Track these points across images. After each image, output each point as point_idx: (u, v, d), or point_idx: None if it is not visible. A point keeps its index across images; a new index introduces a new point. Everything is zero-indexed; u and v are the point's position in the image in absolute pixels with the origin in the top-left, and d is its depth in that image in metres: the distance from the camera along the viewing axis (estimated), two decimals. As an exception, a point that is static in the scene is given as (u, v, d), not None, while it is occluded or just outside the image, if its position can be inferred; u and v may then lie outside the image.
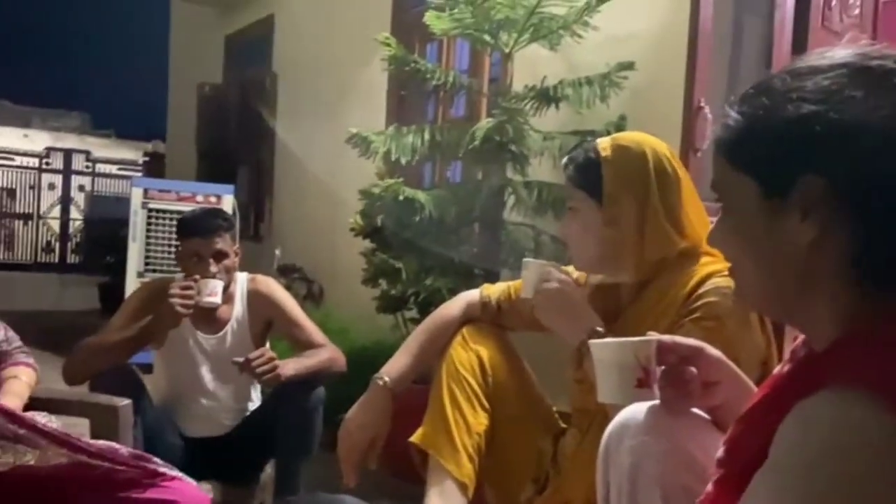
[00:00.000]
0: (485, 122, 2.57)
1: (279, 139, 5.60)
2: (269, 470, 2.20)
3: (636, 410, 1.02)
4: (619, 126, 2.46)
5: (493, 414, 1.51)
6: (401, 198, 2.56)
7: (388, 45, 2.72)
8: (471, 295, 1.65)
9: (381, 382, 1.54)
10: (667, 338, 1.00)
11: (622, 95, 2.63)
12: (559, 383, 1.57)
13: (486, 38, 2.72)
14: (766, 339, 1.32)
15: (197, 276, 2.00)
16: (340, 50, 4.77)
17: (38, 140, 15.28)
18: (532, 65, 2.74)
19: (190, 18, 7.11)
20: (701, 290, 1.32)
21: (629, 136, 1.45)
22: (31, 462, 1.27)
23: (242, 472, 2.18)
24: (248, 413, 2.22)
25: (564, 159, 1.47)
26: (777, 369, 0.81)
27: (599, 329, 1.33)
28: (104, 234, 10.63)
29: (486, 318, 1.61)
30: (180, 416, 2.16)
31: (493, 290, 1.64)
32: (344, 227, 3.03)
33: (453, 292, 1.76)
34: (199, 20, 6.82)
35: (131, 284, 4.31)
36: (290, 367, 1.96)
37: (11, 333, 1.65)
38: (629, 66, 2.58)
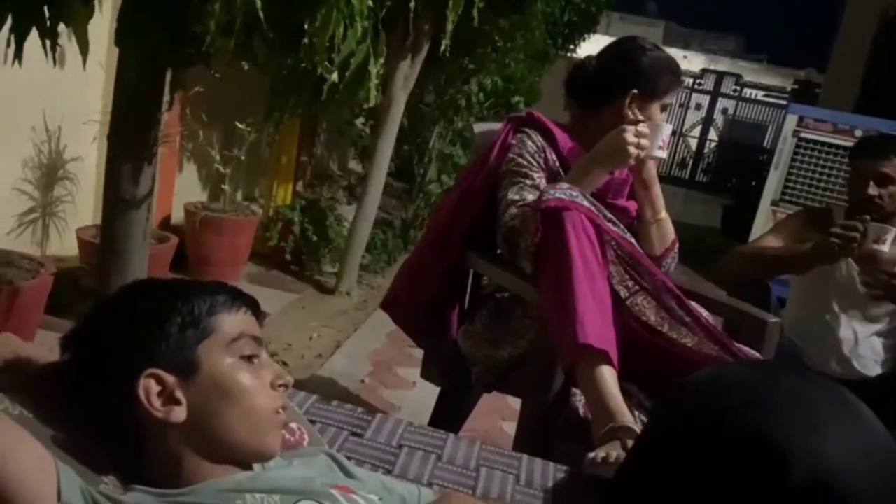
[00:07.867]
0: None
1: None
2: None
3: None
4: None
5: None
6: None
7: None
8: None
9: None
10: None
11: None
12: None
13: None
14: None
15: (867, 217, 1.83)
16: None
17: (694, 62, 16.31)
18: None
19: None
20: None
21: None
22: (689, 345, 1.40)
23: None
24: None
25: None
26: None
27: None
28: (736, 158, 10.88)
29: None
30: (809, 351, 2.08)
31: None
32: None
33: None
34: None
35: (764, 211, 4.31)
36: None
37: None
38: None
